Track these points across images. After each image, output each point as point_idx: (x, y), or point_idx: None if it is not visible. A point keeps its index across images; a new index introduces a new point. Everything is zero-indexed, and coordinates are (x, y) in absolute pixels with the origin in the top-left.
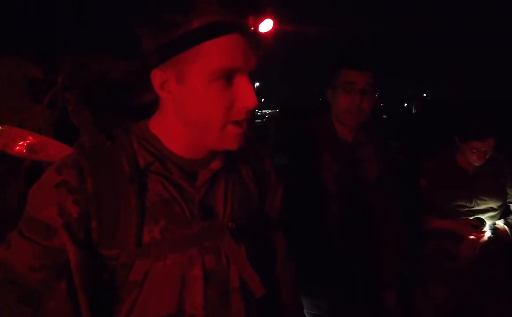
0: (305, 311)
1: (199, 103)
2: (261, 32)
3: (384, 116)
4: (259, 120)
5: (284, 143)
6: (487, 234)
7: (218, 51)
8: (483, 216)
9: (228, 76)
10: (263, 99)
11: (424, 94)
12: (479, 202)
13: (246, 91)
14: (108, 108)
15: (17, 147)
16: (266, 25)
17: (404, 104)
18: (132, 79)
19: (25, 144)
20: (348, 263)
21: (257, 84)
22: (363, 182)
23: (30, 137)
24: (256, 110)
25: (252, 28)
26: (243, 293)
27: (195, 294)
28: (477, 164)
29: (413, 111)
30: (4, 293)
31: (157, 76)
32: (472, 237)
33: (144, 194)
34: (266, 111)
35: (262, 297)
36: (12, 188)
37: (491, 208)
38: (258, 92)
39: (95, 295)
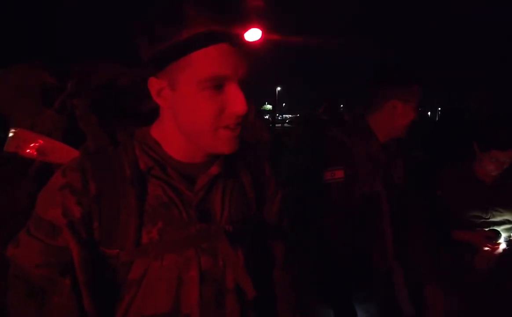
0: None
1: (191, 110)
2: (249, 41)
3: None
4: (279, 125)
5: (324, 151)
6: (502, 246)
7: (206, 60)
8: (498, 228)
9: (217, 84)
10: (284, 104)
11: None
12: (495, 213)
13: (236, 98)
14: (115, 114)
15: (28, 149)
16: (254, 35)
17: (427, 113)
18: (137, 87)
19: (35, 146)
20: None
21: (279, 88)
22: (397, 188)
23: (40, 140)
24: (277, 114)
25: (239, 38)
26: (238, 295)
27: (191, 293)
28: (494, 173)
29: (436, 120)
30: (13, 287)
31: (153, 84)
32: (486, 248)
33: (144, 196)
34: (287, 115)
35: (258, 301)
36: (23, 188)
37: (507, 220)
38: (280, 97)
39: (98, 292)
